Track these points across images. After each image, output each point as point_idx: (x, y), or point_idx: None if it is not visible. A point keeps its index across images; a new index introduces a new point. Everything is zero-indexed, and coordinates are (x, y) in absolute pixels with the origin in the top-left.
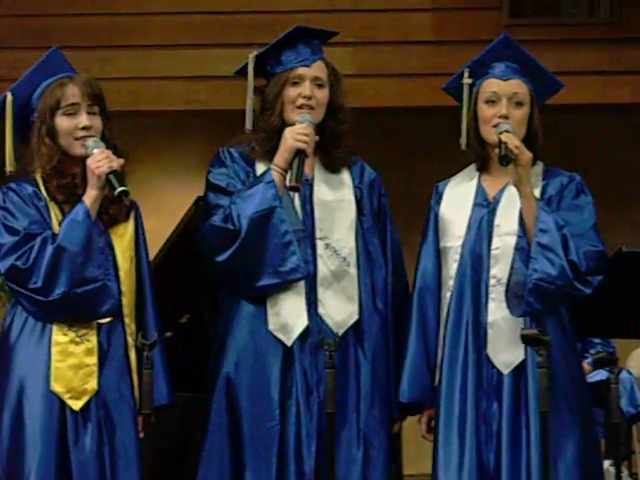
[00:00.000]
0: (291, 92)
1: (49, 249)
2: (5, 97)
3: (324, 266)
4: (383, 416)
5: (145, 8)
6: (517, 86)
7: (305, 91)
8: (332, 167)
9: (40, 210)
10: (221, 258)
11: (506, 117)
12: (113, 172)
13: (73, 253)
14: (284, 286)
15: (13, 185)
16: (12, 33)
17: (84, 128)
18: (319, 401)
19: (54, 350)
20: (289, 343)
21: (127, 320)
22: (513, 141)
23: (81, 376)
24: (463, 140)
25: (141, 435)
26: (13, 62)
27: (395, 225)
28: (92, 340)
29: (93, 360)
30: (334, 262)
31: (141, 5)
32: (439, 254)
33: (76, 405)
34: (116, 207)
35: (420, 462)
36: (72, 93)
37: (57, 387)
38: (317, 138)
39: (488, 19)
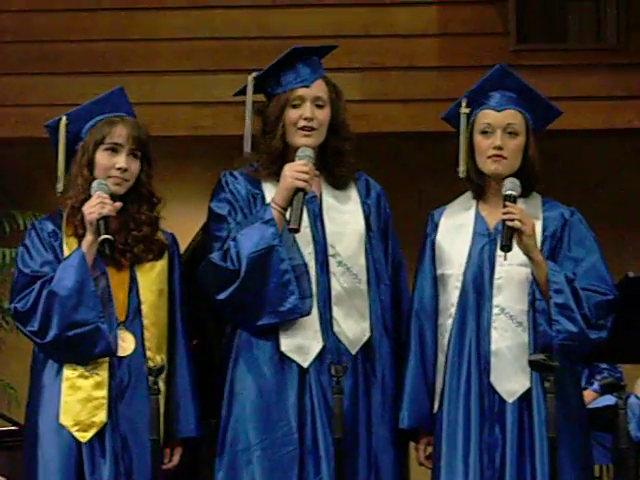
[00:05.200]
0: (292, 114)
1: (44, 293)
2: (60, 119)
3: (337, 284)
4: (393, 436)
5: (152, 34)
6: (511, 116)
7: (306, 113)
8: (338, 184)
9: (55, 250)
10: (221, 296)
11: (500, 148)
12: (104, 218)
13: (64, 297)
14: (283, 324)
15: (37, 223)
16: (20, 59)
17: (119, 169)
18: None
19: (64, 385)
20: (305, 365)
21: (149, 353)
22: (514, 214)
23: (89, 409)
24: (461, 169)
25: (170, 464)
26: (21, 88)
27: (398, 243)
28: (102, 374)
29: (102, 393)
30: (347, 279)
31: (148, 31)
32: (436, 281)
33: (83, 437)
34: (143, 247)
35: None
36: (119, 133)
37: (65, 420)
38: (317, 173)
39: (495, 44)
